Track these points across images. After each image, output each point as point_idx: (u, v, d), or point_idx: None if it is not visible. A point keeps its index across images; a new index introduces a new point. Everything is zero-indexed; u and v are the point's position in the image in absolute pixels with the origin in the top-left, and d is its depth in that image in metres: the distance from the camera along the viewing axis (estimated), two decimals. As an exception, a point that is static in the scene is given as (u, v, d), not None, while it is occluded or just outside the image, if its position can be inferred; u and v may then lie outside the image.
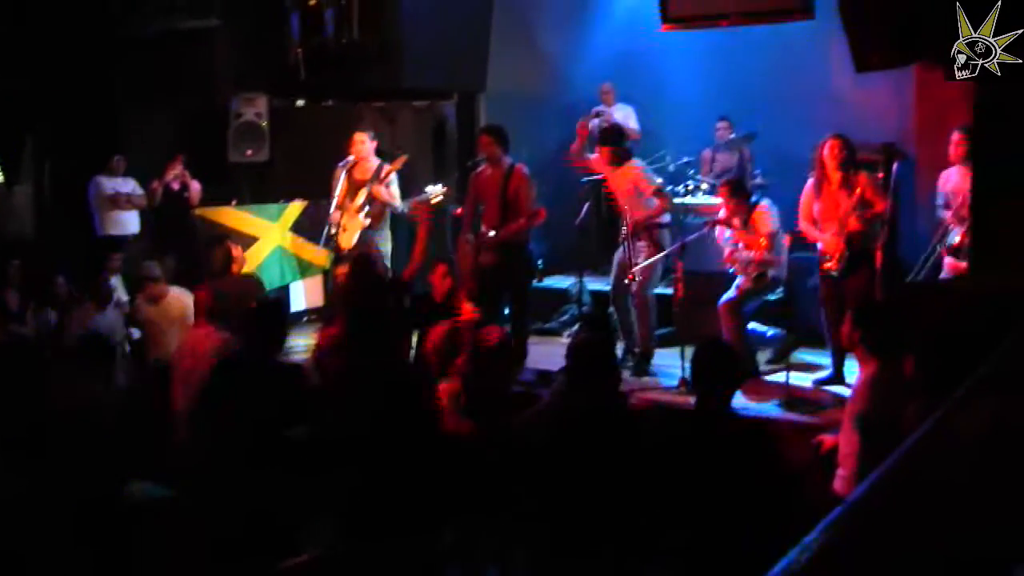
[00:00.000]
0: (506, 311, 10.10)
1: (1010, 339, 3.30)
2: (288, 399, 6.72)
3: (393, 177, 10.82)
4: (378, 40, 12.43)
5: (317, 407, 6.89)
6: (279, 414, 6.60)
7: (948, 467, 2.82)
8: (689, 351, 6.85)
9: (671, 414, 6.82)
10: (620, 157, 9.86)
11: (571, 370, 5.98)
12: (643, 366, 9.68)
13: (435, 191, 10.45)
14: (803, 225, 9.04)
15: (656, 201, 9.74)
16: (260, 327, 7.15)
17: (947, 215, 8.71)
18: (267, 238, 11.00)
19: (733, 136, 12.22)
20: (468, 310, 8.44)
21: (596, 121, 12.71)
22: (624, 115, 12.86)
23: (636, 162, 9.96)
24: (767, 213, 9.30)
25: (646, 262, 9.41)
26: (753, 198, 9.60)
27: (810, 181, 9.05)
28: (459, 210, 11.29)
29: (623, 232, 9.77)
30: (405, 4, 12.42)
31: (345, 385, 7.10)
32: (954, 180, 8.73)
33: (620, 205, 9.95)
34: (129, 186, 12.33)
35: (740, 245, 9.34)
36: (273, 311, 7.58)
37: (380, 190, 10.66)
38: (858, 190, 8.59)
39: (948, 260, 8.63)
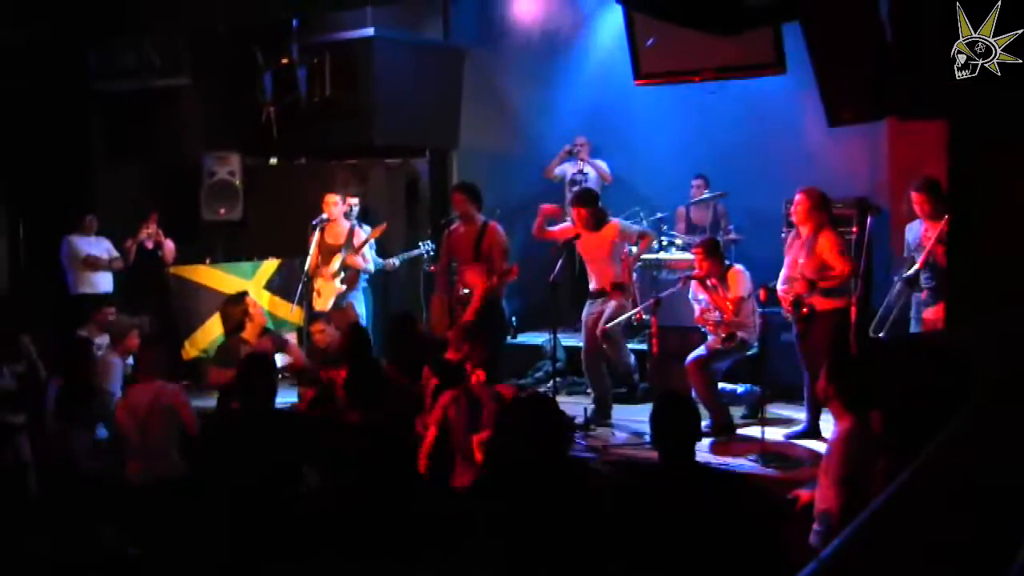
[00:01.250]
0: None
1: (978, 397, 3.28)
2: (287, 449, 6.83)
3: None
4: (351, 98, 12.46)
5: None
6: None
7: (921, 524, 2.79)
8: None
9: (638, 469, 6.78)
10: (598, 219, 9.82)
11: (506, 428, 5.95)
12: (613, 409, 9.75)
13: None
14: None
15: (641, 244, 10.01)
16: (254, 378, 7.17)
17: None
18: (242, 296, 10.97)
19: (708, 194, 12.21)
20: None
21: (570, 173, 12.71)
22: (599, 169, 12.79)
23: (614, 221, 9.95)
24: (740, 276, 9.26)
25: (616, 320, 9.41)
26: (728, 261, 9.63)
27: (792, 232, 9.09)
28: (433, 267, 11.28)
29: (592, 289, 9.81)
30: (377, 63, 12.45)
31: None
32: (917, 231, 8.67)
33: (588, 266, 9.95)
34: (102, 246, 12.21)
35: (710, 305, 9.31)
36: (263, 362, 7.55)
37: (356, 259, 11.05)
38: (815, 249, 8.60)
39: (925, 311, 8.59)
